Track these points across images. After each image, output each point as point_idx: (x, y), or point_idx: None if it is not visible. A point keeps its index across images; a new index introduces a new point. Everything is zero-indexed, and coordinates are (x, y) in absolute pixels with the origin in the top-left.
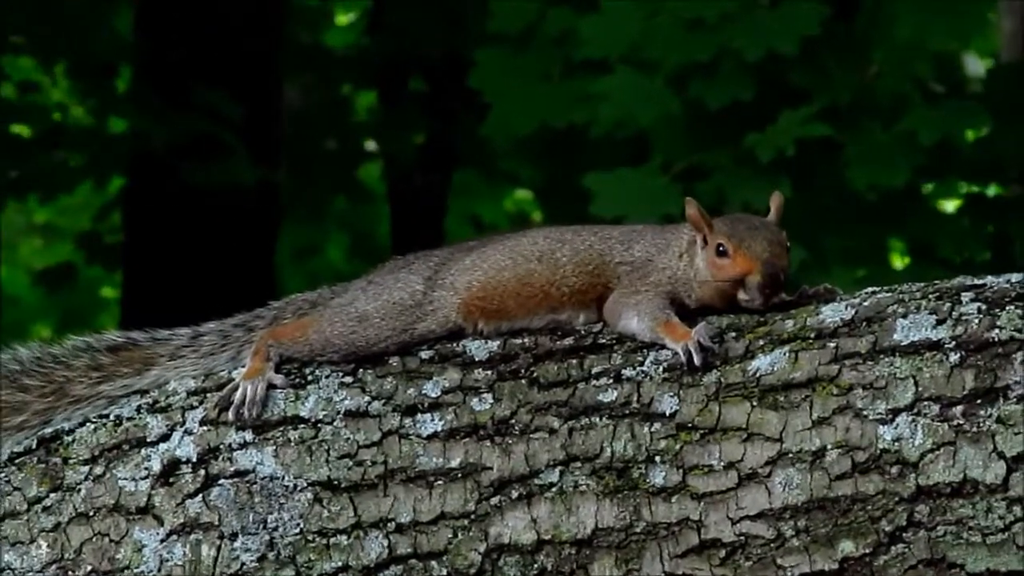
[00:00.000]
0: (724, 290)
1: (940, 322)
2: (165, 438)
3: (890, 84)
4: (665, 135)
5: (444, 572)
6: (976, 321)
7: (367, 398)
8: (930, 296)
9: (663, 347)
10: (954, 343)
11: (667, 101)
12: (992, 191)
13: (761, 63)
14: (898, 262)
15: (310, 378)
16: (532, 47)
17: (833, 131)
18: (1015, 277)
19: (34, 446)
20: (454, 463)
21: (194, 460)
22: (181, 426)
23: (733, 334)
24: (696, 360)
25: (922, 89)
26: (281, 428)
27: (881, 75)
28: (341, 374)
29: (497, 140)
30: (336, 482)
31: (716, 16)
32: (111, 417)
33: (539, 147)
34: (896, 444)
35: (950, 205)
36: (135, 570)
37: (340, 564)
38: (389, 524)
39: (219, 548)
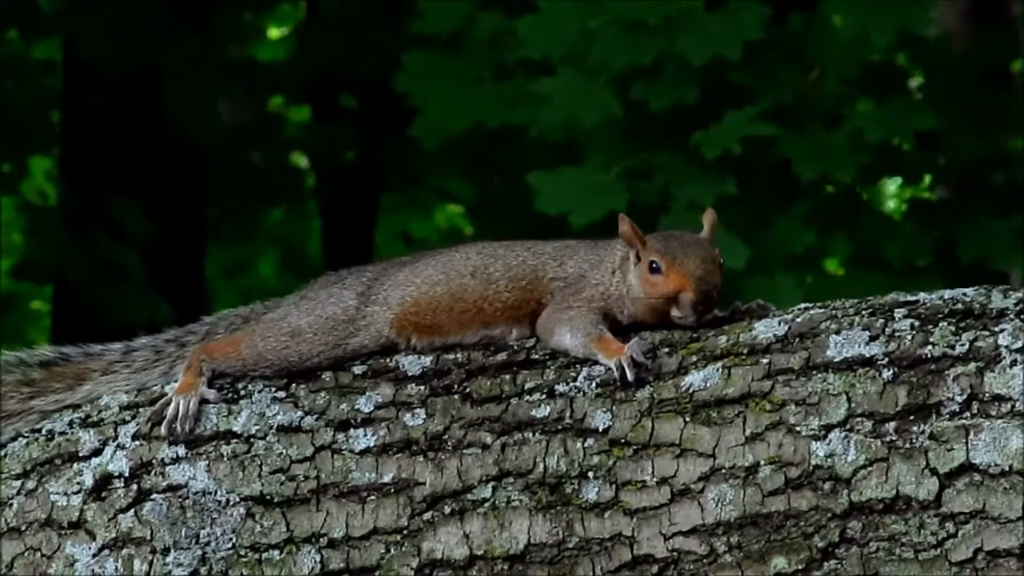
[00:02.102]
0: (657, 307)
1: (873, 338)
2: (97, 453)
3: (832, 85)
4: (607, 136)
5: None
6: (909, 337)
7: (300, 413)
8: (863, 312)
9: (596, 363)
10: (887, 359)
11: (610, 103)
12: (927, 195)
13: (705, 66)
14: (832, 267)
15: (243, 393)
16: (463, 49)
17: (779, 130)
18: (947, 293)
19: None
20: (387, 478)
21: (126, 475)
22: (113, 441)
23: (666, 350)
24: (629, 376)
25: (866, 88)
26: (214, 443)
27: (824, 76)
28: (274, 389)
29: (426, 143)
30: (269, 497)
31: (659, 19)
32: (43, 432)
33: (470, 153)
34: (829, 460)
35: (892, 206)
36: None
37: None
38: (322, 539)
39: (151, 563)
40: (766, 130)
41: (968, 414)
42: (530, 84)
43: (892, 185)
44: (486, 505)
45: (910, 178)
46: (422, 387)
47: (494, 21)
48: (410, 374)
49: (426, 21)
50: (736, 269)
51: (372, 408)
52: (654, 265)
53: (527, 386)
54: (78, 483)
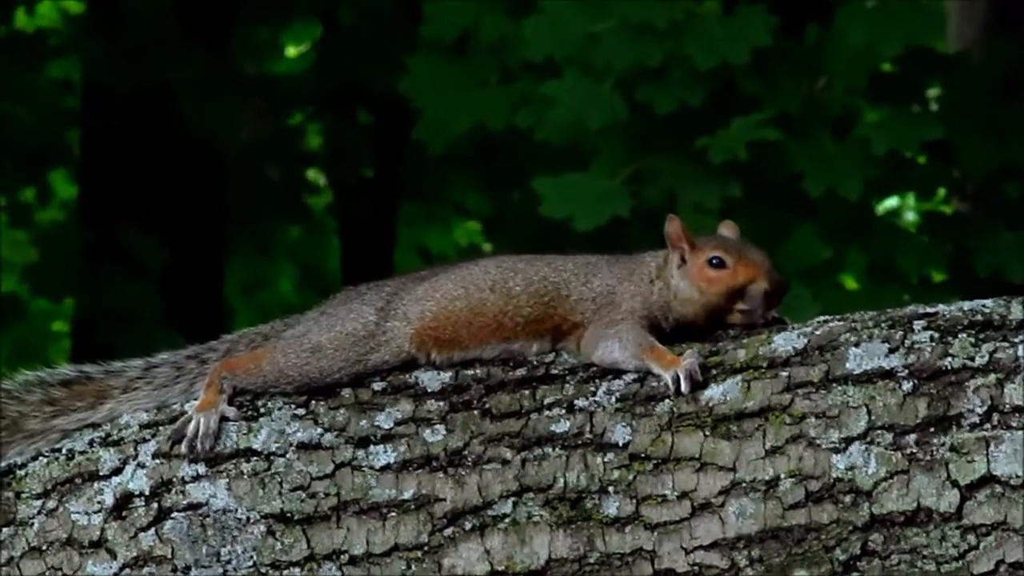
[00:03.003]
0: (717, 304)
1: (893, 350)
2: (118, 471)
3: (839, 95)
4: (612, 140)
5: None
6: (929, 349)
7: (320, 430)
8: (882, 324)
9: (649, 373)
10: (907, 371)
11: (616, 106)
12: (947, 209)
13: (711, 71)
14: (851, 284)
15: (263, 410)
16: (467, 53)
17: (784, 136)
18: (967, 305)
19: None
20: (407, 495)
21: (147, 493)
22: (134, 459)
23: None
24: (684, 388)
25: (878, 98)
26: (234, 461)
27: (831, 85)
28: (293, 406)
29: (430, 146)
30: (289, 514)
31: (665, 23)
32: (64, 451)
33: (482, 166)
34: (849, 473)
35: (909, 220)
36: None
37: None
38: (342, 556)
39: None
40: (772, 135)
41: (988, 425)
42: (535, 87)
43: (894, 200)
44: (506, 521)
45: (924, 191)
46: (442, 403)
47: (499, 24)
48: (430, 390)
49: (431, 26)
50: None
51: (392, 424)
52: (716, 260)
53: (547, 401)
54: (99, 502)
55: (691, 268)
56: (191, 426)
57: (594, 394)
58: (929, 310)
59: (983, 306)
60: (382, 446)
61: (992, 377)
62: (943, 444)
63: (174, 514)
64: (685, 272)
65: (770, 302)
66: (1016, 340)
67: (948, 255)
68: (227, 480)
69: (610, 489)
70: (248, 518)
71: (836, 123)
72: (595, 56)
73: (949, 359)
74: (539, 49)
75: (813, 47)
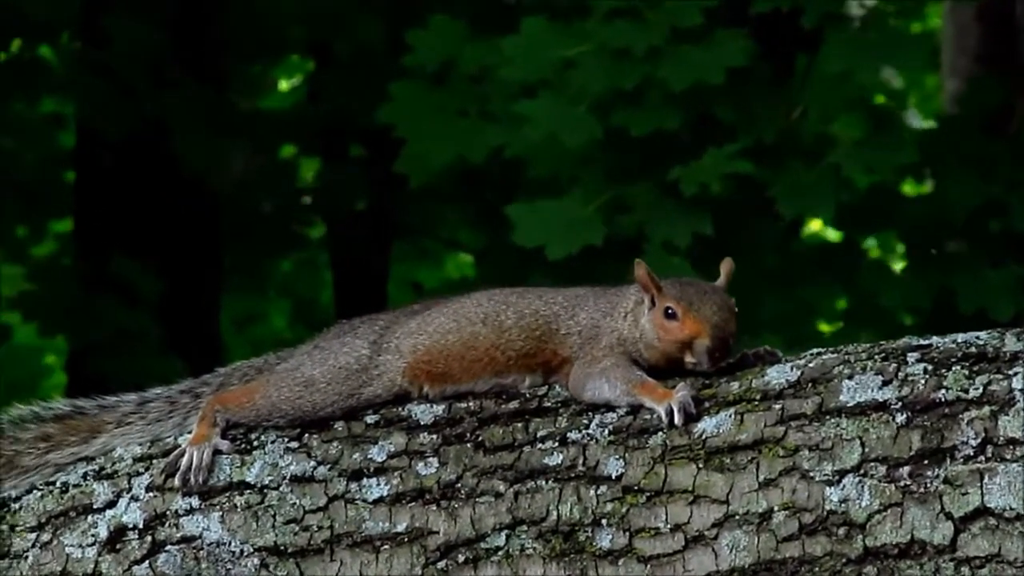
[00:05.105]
0: (670, 353)
1: (886, 383)
2: (112, 504)
3: (815, 124)
4: (587, 170)
5: None
6: (922, 382)
7: (313, 463)
8: (876, 357)
9: (642, 407)
10: (900, 404)
11: (591, 127)
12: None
13: (687, 94)
14: (825, 327)
15: (256, 443)
16: (448, 83)
17: (757, 169)
18: (961, 337)
19: None
20: (400, 527)
21: (141, 526)
22: (127, 492)
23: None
24: (678, 420)
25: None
26: (227, 494)
27: (806, 114)
28: (287, 439)
29: (412, 179)
30: (283, 547)
31: (643, 49)
32: (58, 484)
33: (469, 199)
34: (843, 505)
35: (895, 263)
36: None
37: None
38: None
39: None
40: (744, 167)
41: (983, 458)
42: (512, 106)
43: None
44: (500, 553)
45: (910, 237)
46: (434, 436)
47: (479, 54)
48: (422, 423)
49: (415, 55)
50: None
51: (385, 457)
52: (669, 311)
53: (539, 434)
54: (93, 535)
55: (655, 314)
56: (184, 459)
57: (587, 427)
58: (923, 342)
59: (977, 338)
60: (375, 479)
61: (986, 409)
62: (937, 476)
63: (168, 547)
64: (651, 316)
65: (713, 358)
66: (1010, 372)
67: (932, 294)
68: (220, 513)
69: (603, 522)
70: (242, 551)
71: (809, 151)
72: (572, 79)
73: (943, 391)
74: (518, 70)
75: (798, 76)
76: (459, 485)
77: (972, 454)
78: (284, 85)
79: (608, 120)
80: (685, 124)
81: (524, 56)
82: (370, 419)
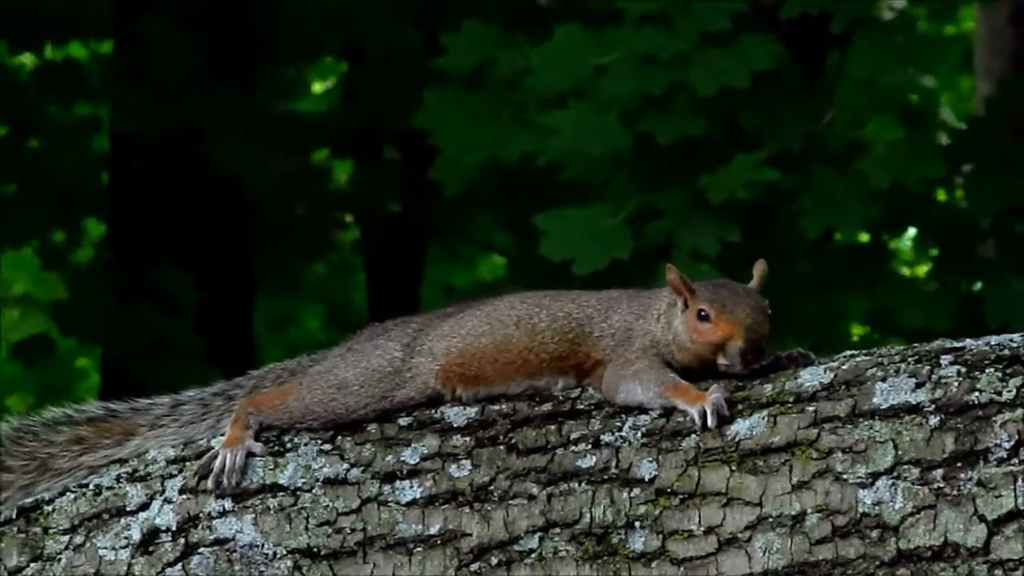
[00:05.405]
0: (703, 355)
1: (919, 385)
2: (145, 507)
3: (844, 131)
4: (616, 173)
5: None
6: (956, 384)
7: (346, 465)
8: (909, 359)
9: (675, 409)
10: (934, 406)
11: (618, 135)
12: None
13: (714, 100)
14: (857, 330)
15: (289, 446)
16: (482, 87)
17: (784, 176)
18: (994, 339)
19: (14, 516)
20: (433, 530)
21: (174, 529)
22: (161, 495)
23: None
24: (711, 422)
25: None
26: (260, 496)
27: (835, 120)
28: (319, 441)
29: (447, 188)
30: (315, 550)
31: (671, 55)
32: (91, 486)
33: (497, 195)
34: (876, 508)
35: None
36: None
37: None
38: None
39: None
40: (771, 175)
41: (1016, 460)
42: (541, 116)
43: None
44: (533, 556)
45: (930, 229)
46: (467, 438)
47: (513, 59)
48: (455, 425)
49: (448, 58)
50: None
51: (418, 460)
52: (702, 313)
53: (573, 436)
54: (126, 537)
55: (688, 316)
56: (218, 462)
57: (620, 429)
58: (956, 345)
59: (1010, 340)
60: (408, 481)
61: (1019, 412)
62: (970, 479)
63: (201, 549)
64: (684, 318)
65: (746, 360)
66: None
67: (956, 306)
68: (253, 515)
69: (636, 524)
70: (274, 553)
71: (839, 157)
72: (602, 87)
73: (976, 394)
74: (548, 81)
75: (828, 77)
76: (492, 487)
77: (1005, 456)
78: (318, 87)
79: (636, 127)
80: (714, 129)
81: (555, 65)
82: (403, 421)
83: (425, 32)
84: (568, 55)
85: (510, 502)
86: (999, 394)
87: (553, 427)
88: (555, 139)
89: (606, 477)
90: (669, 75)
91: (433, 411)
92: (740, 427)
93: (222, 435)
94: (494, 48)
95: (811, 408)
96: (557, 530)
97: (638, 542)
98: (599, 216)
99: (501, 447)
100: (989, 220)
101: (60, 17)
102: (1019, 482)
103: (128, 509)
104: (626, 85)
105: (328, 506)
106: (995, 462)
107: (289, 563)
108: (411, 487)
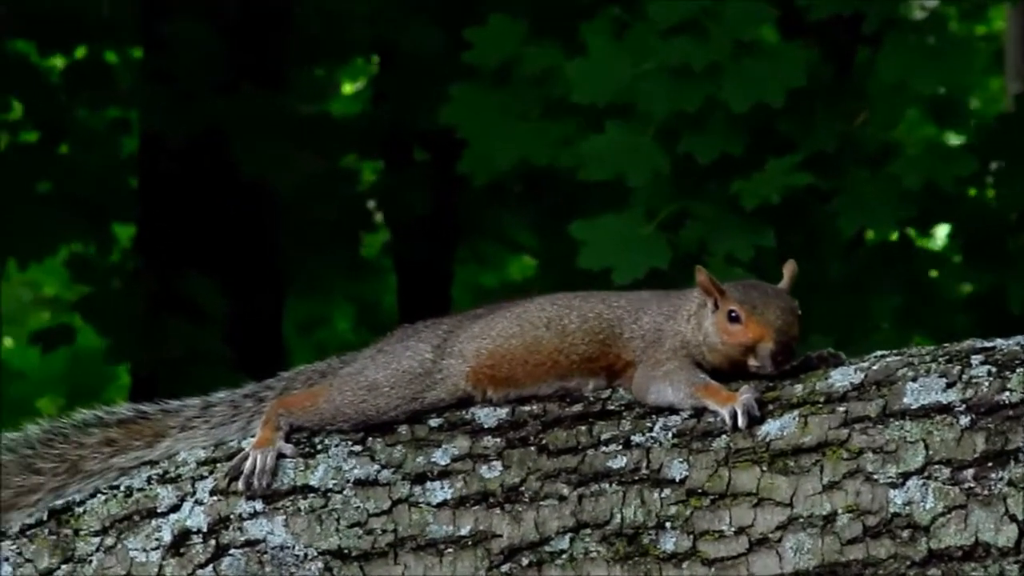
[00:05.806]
0: (733, 356)
1: (950, 385)
2: (175, 508)
3: (877, 132)
4: (652, 188)
5: None
6: (986, 384)
7: (376, 467)
8: (940, 359)
9: (706, 410)
10: (964, 406)
11: (656, 157)
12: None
13: (748, 113)
14: (883, 329)
15: (319, 447)
16: (510, 84)
17: (818, 180)
18: None
19: (45, 518)
20: (464, 531)
21: (205, 530)
22: (191, 496)
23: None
24: (741, 423)
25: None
26: (291, 497)
27: (869, 122)
28: (350, 443)
29: (475, 179)
30: (346, 551)
31: (703, 65)
32: (122, 488)
33: (527, 194)
34: (907, 508)
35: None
36: None
37: None
38: None
39: None
40: (804, 179)
41: None
42: (576, 128)
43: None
44: (564, 556)
45: (960, 225)
46: (498, 439)
47: (543, 57)
48: (486, 426)
49: (475, 52)
50: None
51: (448, 461)
52: (733, 314)
53: (603, 437)
54: (156, 539)
55: (718, 317)
56: (248, 463)
57: (651, 430)
58: (987, 344)
59: None
60: (439, 482)
61: None
62: (1001, 479)
63: (232, 551)
64: (714, 319)
65: (776, 361)
66: None
67: (985, 293)
68: (284, 517)
69: (667, 525)
70: (305, 555)
71: (872, 158)
72: (637, 101)
73: (1007, 393)
74: (583, 95)
75: (857, 72)
76: (523, 488)
77: None
78: (348, 87)
79: (674, 147)
80: (749, 138)
81: (590, 79)
82: (433, 423)
83: (452, 32)
84: (602, 67)
85: (541, 503)
86: None
87: (584, 428)
88: (593, 166)
89: (637, 478)
90: (702, 89)
91: (464, 412)
92: (771, 427)
93: (253, 436)
94: (520, 45)
95: (842, 408)
96: (588, 531)
97: (669, 543)
98: (633, 224)
99: (532, 448)
100: (1015, 215)
101: (88, 20)
102: None
103: (159, 511)
104: (660, 102)
105: (359, 507)
106: None
107: (320, 564)
108: (442, 488)
